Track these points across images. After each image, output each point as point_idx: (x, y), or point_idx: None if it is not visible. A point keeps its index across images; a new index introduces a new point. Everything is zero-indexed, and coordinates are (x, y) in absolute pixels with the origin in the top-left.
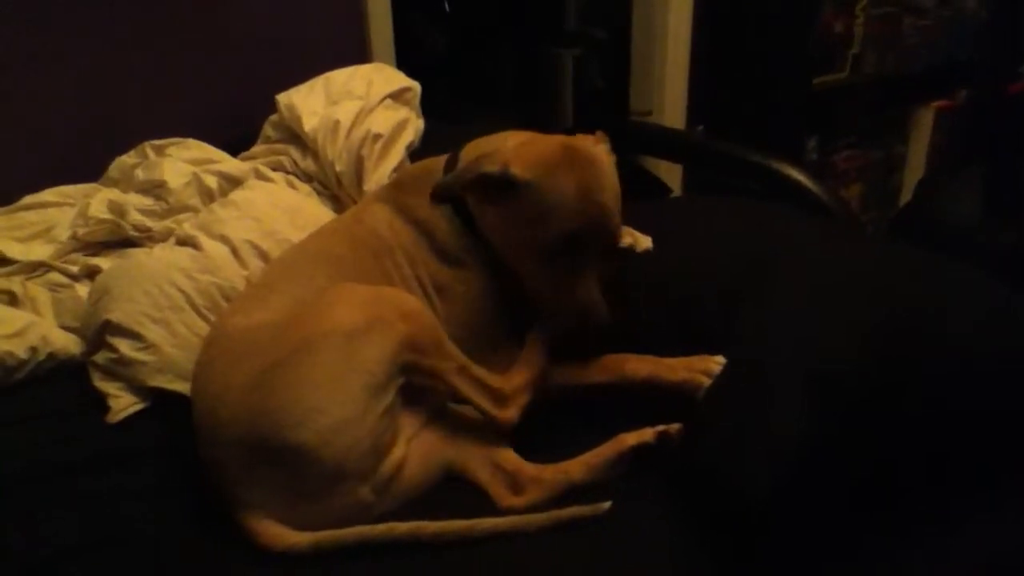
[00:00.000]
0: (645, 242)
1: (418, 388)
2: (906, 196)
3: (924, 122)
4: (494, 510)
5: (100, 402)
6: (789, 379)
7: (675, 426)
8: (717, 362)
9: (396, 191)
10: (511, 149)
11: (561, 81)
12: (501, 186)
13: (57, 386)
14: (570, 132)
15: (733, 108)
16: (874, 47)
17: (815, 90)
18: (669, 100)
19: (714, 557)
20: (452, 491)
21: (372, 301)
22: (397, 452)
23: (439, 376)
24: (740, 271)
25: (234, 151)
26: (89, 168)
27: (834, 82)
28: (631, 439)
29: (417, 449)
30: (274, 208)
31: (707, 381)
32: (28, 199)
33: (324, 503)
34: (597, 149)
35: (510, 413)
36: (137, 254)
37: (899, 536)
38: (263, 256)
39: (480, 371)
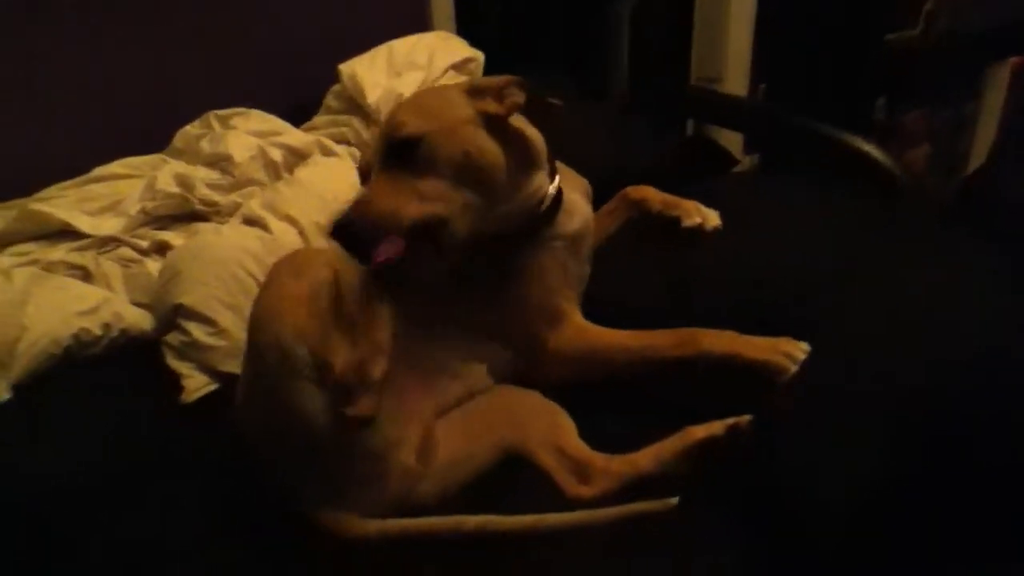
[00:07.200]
0: (713, 219)
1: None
2: (975, 159)
3: (999, 80)
4: (559, 497)
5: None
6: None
7: (745, 418)
8: (802, 349)
9: None
10: None
11: (617, 39)
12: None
13: (129, 363)
14: (626, 98)
15: (798, 65)
16: (949, 2)
17: (886, 48)
18: (733, 58)
19: None
20: (514, 476)
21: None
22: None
23: None
24: (816, 265)
25: (295, 119)
26: (154, 138)
27: (906, 40)
28: (700, 432)
29: (463, 423)
30: (339, 186)
31: (792, 367)
32: (98, 171)
33: (376, 484)
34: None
35: None
36: (206, 234)
37: None
38: None
39: None
